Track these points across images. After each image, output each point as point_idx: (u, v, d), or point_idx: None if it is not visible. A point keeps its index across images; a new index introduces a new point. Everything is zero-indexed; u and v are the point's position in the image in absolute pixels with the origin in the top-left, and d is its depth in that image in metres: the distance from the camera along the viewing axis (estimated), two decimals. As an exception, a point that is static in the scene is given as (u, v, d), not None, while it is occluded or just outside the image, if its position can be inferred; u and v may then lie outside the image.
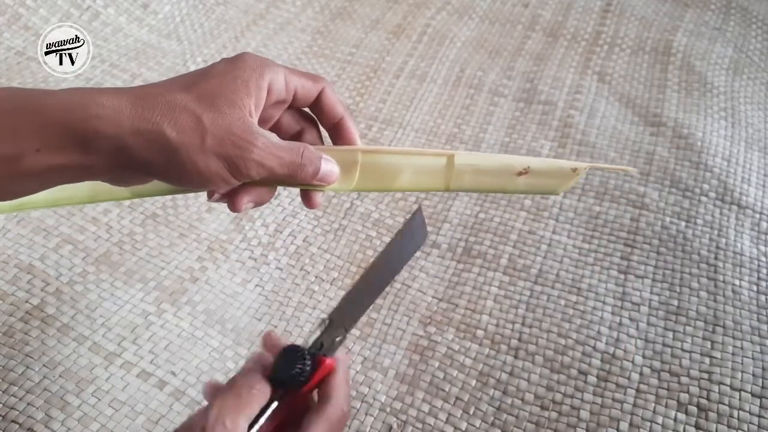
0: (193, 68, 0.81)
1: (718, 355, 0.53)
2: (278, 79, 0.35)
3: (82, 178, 0.32)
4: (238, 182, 0.33)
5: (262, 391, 0.35)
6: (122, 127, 0.30)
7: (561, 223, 0.64)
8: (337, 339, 0.38)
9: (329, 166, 0.36)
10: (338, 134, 0.39)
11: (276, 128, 0.38)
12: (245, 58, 0.34)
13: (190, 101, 0.31)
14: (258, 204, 0.36)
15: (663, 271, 0.59)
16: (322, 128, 0.40)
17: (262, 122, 0.34)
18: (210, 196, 0.37)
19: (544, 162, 0.37)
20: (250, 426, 0.33)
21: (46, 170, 0.30)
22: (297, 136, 0.39)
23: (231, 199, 0.35)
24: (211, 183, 0.32)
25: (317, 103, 0.38)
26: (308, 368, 0.36)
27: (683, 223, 0.63)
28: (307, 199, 0.38)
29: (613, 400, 0.51)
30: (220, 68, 0.34)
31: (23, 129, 0.29)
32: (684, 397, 0.51)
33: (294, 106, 0.38)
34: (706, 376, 0.52)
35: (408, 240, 0.45)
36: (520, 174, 0.37)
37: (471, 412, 0.50)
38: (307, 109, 0.39)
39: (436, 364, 0.53)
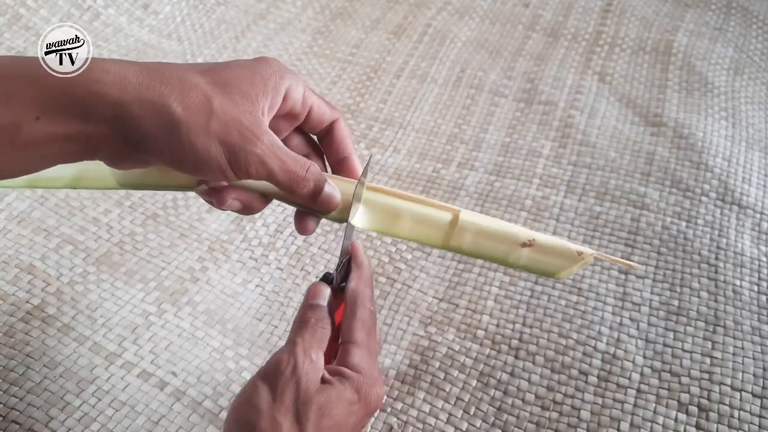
0: (193, 68, 0.81)
1: (718, 355, 0.53)
2: (297, 88, 0.34)
3: (83, 153, 0.30)
4: (235, 177, 0.32)
5: (328, 327, 0.35)
6: (126, 93, 0.28)
7: (562, 223, 0.64)
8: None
9: (332, 191, 0.35)
10: (343, 171, 0.38)
11: (285, 144, 0.37)
12: (269, 60, 0.33)
13: (203, 82, 0.30)
14: (246, 208, 0.35)
15: (664, 271, 0.59)
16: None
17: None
18: (198, 185, 0.35)
19: (551, 239, 0.35)
20: None
21: (46, 140, 0.29)
22: (340, 166, 0.38)
23: (218, 194, 0.34)
24: (207, 169, 0.31)
25: (328, 134, 0.37)
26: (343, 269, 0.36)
27: (684, 224, 0.63)
28: (300, 222, 0.36)
29: (614, 400, 0.51)
30: (241, 62, 0.33)
31: (22, 96, 0.28)
32: (685, 397, 0.51)
33: (305, 129, 0.37)
34: (706, 376, 0.52)
35: None
36: (524, 245, 0.36)
37: (472, 413, 0.50)
38: (314, 138, 0.39)
39: (437, 365, 0.53)
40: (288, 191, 0.33)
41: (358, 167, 0.38)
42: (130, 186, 0.38)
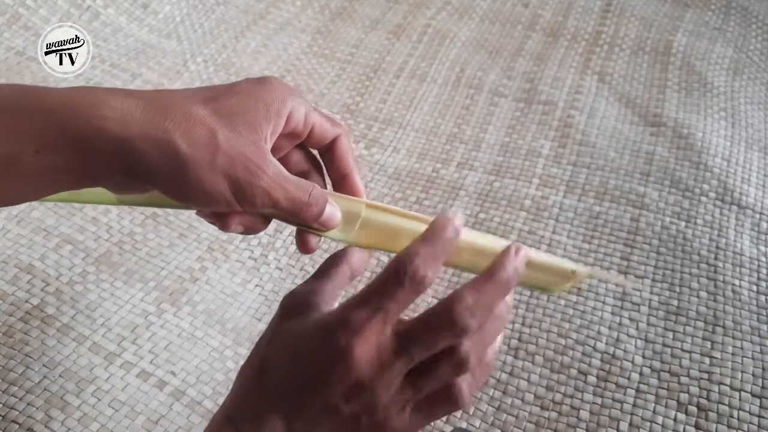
0: (193, 68, 0.81)
1: (718, 355, 0.53)
2: (299, 110, 0.34)
3: (82, 183, 0.30)
4: (240, 208, 0.32)
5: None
6: (130, 130, 0.28)
7: (561, 223, 0.64)
8: None
9: (333, 210, 0.35)
10: (344, 188, 0.38)
11: (284, 162, 0.36)
12: (271, 82, 0.33)
13: (207, 115, 0.30)
14: (248, 231, 0.35)
15: (663, 271, 0.59)
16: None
17: (272, 151, 0.33)
18: (198, 211, 0.35)
19: (544, 256, 0.35)
20: None
21: (44, 172, 0.29)
22: (303, 176, 0.37)
23: (221, 219, 0.34)
24: (213, 203, 0.31)
25: (329, 150, 0.37)
26: None
27: (683, 223, 0.63)
28: (302, 242, 0.36)
29: (613, 400, 0.51)
30: (243, 87, 0.32)
31: (22, 128, 0.28)
32: (684, 397, 0.51)
33: (306, 145, 0.37)
34: (706, 376, 0.52)
35: None
36: None
37: (471, 413, 0.50)
38: (316, 154, 0.38)
39: (436, 364, 0.53)
40: (292, 216, 0.34)
41: (359, 184, 0.38)
42: (130, 203, 0.39)
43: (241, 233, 0.35)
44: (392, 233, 0.37)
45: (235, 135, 0.30)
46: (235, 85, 0.33)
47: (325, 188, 0.38)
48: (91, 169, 0.29)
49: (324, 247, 0.62)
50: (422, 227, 0.36)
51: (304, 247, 0.37)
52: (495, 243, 0.36)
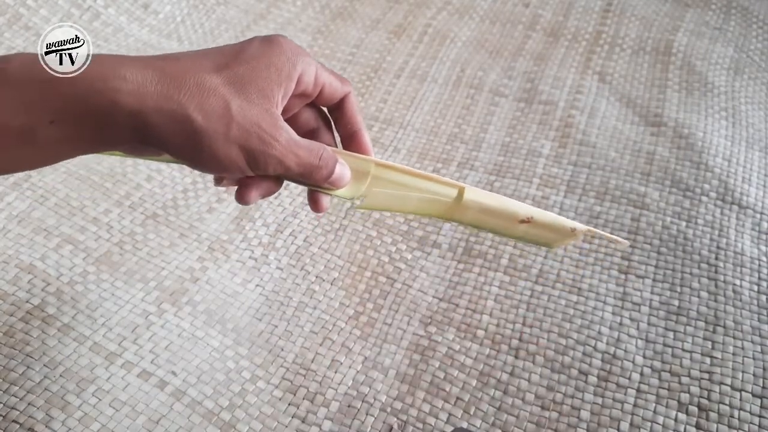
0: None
1: (718, 355, 0.53)
2: (309, 71, 0.34)
3: (97, 149, 0.31)
4: (252, 173, 0.33)
5: None
6: (145, 103, 0.29)
7: (561, 223, 0.64)
8: None
9: (342, 169, 0.36)
10: (353, 145, 0.38)
11: (293, 120, 0.37)
12: (281, 43, 0.33)
13: (220, 84, 0.31)
14: (265, 196, 0.36)
15: (664, 271, 0.59)
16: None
17: (283, 112, 0.34)
18: (218, 182, 0.36)
19: (548, 215, 0.37)
20: None
21: (59, 141, 0.29)
22: (312, 134, 0.38)
23: (240, 192, 0.35)
24: (227, 170, 0.32)
25: (338, 107, 0.38)
26: None
27: (684, 223, 0.63)
28: (314, 201, 0.37)
29: (614, 400, 0.51)
30: (253, 51, 0.33)
31: (37, 100, 0.28)
32: (685, 397, 0.51)
33: (316, 103, 0.38)
34: (706, 376, 0.52)
35: None
36: (522, 222, 0.37)
37: (471, 412, 0.50)
38: (325, 110, 0.39)
39: (437, 364, 0.53)
40: (303, 179, 0.35)
41: (368, 141, 0.39)
42: (140, 158, 0.40)
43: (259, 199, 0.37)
44: (402, 190, 0.38)
45: (248, 104, 0.31)
46: (245, 48, 0.33)
47: (335, 146, 0.39)
48: (107, 139, 0.30)
49: (323, 247, 0.62)
50: (431, 185, 0.37)
51: (315, 206, 0.38)
52: (501, 202, 0.37)
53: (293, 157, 0.33)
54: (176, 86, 0.29)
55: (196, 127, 0.30)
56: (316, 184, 0.36)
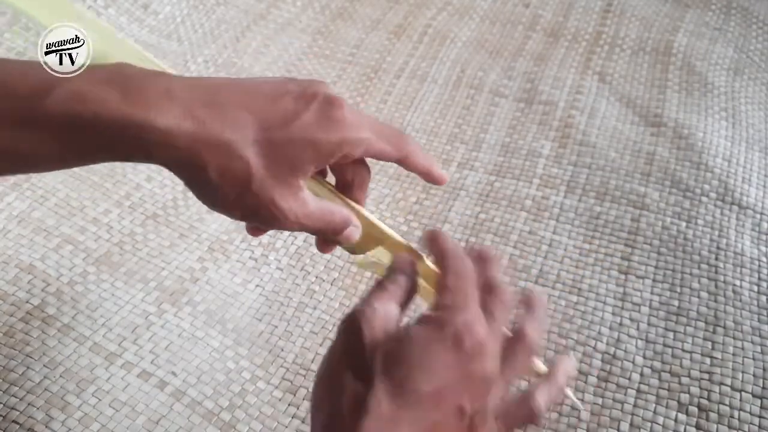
0: (193, 68, 0.81)
1: (718, 355, 0.53)
2: (356, 152, 0.33)
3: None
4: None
5: (403, 281, 0.35)
6: (168, 154, 0.30)
7: (561, 223, 0.64)
8: None
9: (352, 232, 0.37)
10: (349, 195, 0.39)
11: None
12: (336, 119, 0.31)
13: (252, 155, 0.30)
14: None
15: (664, 271, 0.59)
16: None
17: None
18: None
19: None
20: None
21: (84, 161, 0.33)
22: (343, 187, 0.37)
23: (251, 231, 0.38)
24: (230, 217, 0.34)
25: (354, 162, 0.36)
26: None
27: (684, 224, 0.63)
28: (322, 246, 0.39)
29: (614, 400, 0.51)
30: (305, 122, 0.31)
31: (79, 141, 0.30)
32: (685, 397, 0.51)
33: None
34: (706, 376, 0.52)
35: None
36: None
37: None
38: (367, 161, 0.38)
39: (437, 365, 0.53)
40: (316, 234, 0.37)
41: (363, 200, 0.39)
42: None
43: None
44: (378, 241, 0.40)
45: (272, 180, 0.30)
46: (300, 114, 0.31)
47: (363, 202, 0.39)
48: (126, 157, 0.32)
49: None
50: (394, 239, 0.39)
51: (324, 249, 0.40)
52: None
53: (299, 226, 0.33)
54: (206, 145, 0.29)
55: (209, 181, 0.30)
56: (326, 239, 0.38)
